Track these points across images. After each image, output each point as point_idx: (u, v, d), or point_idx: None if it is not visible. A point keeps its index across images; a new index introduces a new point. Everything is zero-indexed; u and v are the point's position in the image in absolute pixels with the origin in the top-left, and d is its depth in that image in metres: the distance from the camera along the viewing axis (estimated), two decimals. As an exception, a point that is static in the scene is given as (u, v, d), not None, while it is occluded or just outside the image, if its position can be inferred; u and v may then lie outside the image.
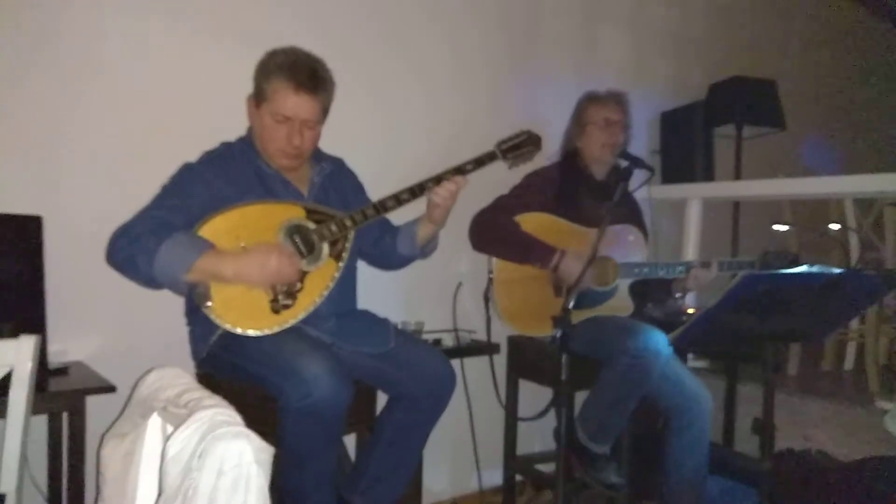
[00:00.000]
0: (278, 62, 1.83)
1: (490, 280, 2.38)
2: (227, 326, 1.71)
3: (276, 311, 1.75)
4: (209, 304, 1.69)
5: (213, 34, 2.18)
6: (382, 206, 1.89)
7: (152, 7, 2.07)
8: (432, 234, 2.06)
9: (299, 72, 1.82)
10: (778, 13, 4.37)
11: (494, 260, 2.37)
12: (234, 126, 2.00)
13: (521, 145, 2.07)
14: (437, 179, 1.93)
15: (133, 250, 1.66)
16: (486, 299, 2.46)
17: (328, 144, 2.01)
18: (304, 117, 1.84)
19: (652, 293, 2.50)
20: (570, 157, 2.52)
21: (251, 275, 1.69)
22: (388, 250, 2.11)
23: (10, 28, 1.88)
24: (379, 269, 2.21)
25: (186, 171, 1.84)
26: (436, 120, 2.69)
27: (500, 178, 2.51)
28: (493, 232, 2.36)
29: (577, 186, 2.45)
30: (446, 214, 1.99)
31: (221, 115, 2.07)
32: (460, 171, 1.96)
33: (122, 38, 2.03)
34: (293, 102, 1.82)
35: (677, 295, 2.47)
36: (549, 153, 2.65)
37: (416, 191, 1.92)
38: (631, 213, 2.56)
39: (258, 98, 1.86)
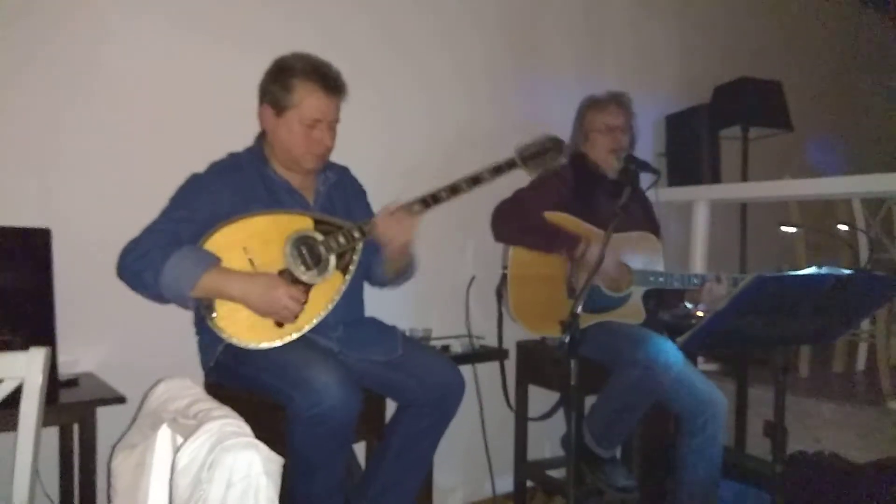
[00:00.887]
0: (299, 68, 1.85)
1: (504, 275, 2.38)
2: (234, 340, 1.71)
3: (279, 324, 1.75)
4: (214, 315, 1.70)
5: (221, 44, 2.19)
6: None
7: (160, 17, 2.08)
8: (395, 268, 2.01)
9: (324, 75, 1.86)
10: (783, 13, 4.36)
11: (510, 254, 2.35)
12: (242, 134, 2.01)
13: (543, 152, 2.04)
14: (453, 189, 1.92)
15: (141, 266, 1.68)
16: (499, 295, 2.45)
17: (336, 149, 2.01)
18: (332, 118, 1.90)
19: (664, 300, 2.49)
20: (579, 159, 2.52)
21: (253, 301, 1.70)
22: (371, 269, 2.08)
23: (18, 40, 1.89)
24: (369, 283, 2.16)
25: (194, 182, 1.85)
26: (438, 122, 2.69)
27: (507, 185, 2.52)
28: (519, 220, 2.34)
29: (591, 187, 2.44)
30: (399, 250, 1.92)
31: (229, 124, 2.08)
32: (476, 180, 1.94)
33: (129, 48, 2.04)
34: (325, 104, 1.86)
35: (688, 305, 2.46)
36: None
37: (428, 201, 1.90)
38: (644, 212, 2.55)
39: (279, 107, 1.86)
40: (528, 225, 2.33)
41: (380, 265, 2.02)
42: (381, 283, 2.12)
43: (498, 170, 1.97)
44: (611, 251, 2.11)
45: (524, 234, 2.35)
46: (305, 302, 1.77)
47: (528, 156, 2.03)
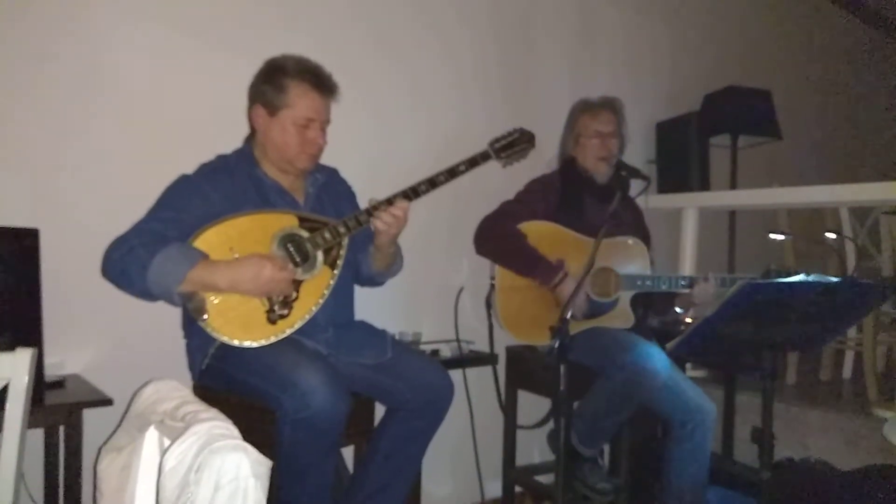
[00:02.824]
0: (292, 68, 1.87)
1: (492, 285, 2.38)
2: (224, 339, 1.71)
3: (272, 321, 1.75)
4: (205, 317, 1.69)
5: (213, 48, 2.18)
6: (375, 211, 1.89)
7: (151, 20, 2.08)
8: (385, 259, 2.03)
9: (317, 75, 1.88)
10: (772, 23, 4.40)
11: (497, 266, 2.37)
12: (233, 137, 2.00)
13: (514, 143, 2.07)
14: (431, 182, 1.93)
15: (126, 263, 1.67)
16: (488, 305, 2.45)
17: (326, 151, 2.01)
18: (325, 118, 1.91)
19: (654, 306, 2.49)
20: (569, 164, 2.52)
21: (244, 285, 1.69)
22: (359, 266, 2.09)
23: (9, 41, 1.88)
24: (358, 283, 2.17)
25: (183, 182, 1.84)
26: (430, 128, 2.70)
27: (497, 187, 2.52)
28: (500, 242, 2.35)
29: (580, 192, 2.45)
30: (392, 240, 1.95)
31: (220, 127, 2.08)
32: (453, 173, 1.96)
33: (120, 50, 2.04)
34: (319, 104, 1.88)
35: (679, 310, 2.47)
36: (547, 160, 2.65)
37: (409, 194, 1.91)
38: (634, 220, 2.56)
39: (271, 107, 1.87)
40: (507, 247, 2.33)
41: (369, 260, 2.03)
42: (369, 278, 2.11)
43: (473, 162, 1.99)
44: (582, 290, 2.13)
45: (503, 256, 2.36)
46: (297, 299, 1.77)
47: (500, 147, 2.05)
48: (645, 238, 2.49)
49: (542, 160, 2.58)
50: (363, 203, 2.12)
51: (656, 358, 2.09)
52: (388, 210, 1.86)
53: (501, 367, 2.63)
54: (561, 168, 2.53)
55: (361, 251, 2.06)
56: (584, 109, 2.51)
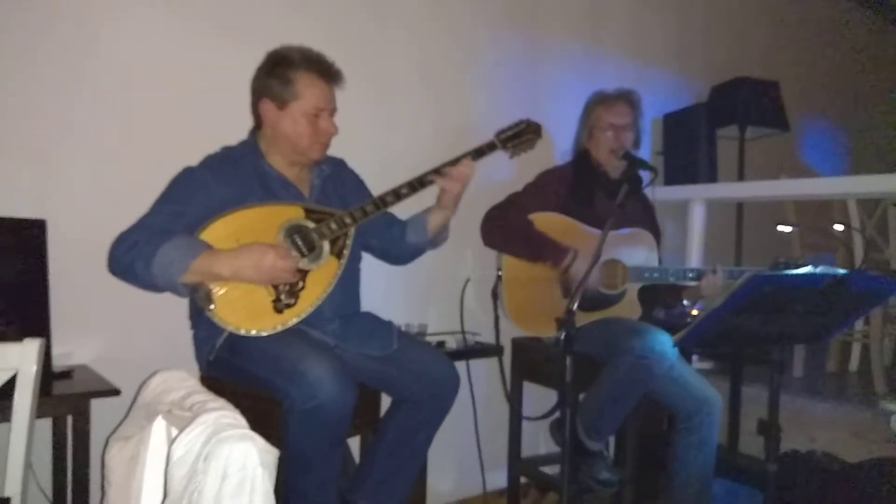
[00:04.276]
0: (297, 60, 1.86)
1: (498, 277, 2.37)
2: (231, 328, 1.71)
3: (279, 310, 1.75)
4: (212, 307, 1.69)
5: (218, 35, 2.17)
6: (382, 202, 1.89)
7: (155, 7, 2.07)
8: (443, 222, 2.08)
9: (321, 63, 1.89)
10: (780, 14, 4.36)
11: (504, 257, 2.36)
12: (238, 127, 2.00)
13: (520, 134, 2.08)
14: (436, 172, 1.95)
15: (131, 257, 1.67)
16: (494, 296, 2.44)
17: (333, 142, 2.01)
18: (333, 105, 1.92)
19: (661, 299, 2.48)
20: (583, 156, 2.50)
21: (247, 272, 1.68)
22: (397, 240, 2.11)
23: (13, 31, 1.88)
24: (388, 262, 2.20)
25: (187, 175, 1.84)
26: (440, 119, 2.69)
27: (505, 179, 2.51)
28: (507, 229, 2.34)
29: (591, 186, 2.44)
30: (457, 200, 2.01)
31: (226, 117, 2.07)
32: (457, 163, 1.97)
33: (126, 40, 2.03)
34: (326, 92, 1.89)
35: (687, 303, 2.46)
36: (560, 152, 2.64)
37: (415, 185, 1.92)
38: (644, 213, 2.54)
39: (280, 100, 1.86)
40: (515, 234, 2.32)
41: (423, 226, 2.07)
42: (416, 247, 2.12)
43: (479, 153, 2.02)
44: (596, 269, 2.12)
45: (510, 243, 2.35)
46: (303, 288, 1.78)
47: (506, 138, 2.07)
48: (655, 233, 2.48)
49: (556, 152, 2.57)
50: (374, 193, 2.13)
51: (665, 343, 2.08)
52: (459, 168, 1.95)
53: (507, 358, 2.63)
54: (574, 160, 2.52)
55: (397, 225, 2.11)
56: (599, 101, 2.48)
